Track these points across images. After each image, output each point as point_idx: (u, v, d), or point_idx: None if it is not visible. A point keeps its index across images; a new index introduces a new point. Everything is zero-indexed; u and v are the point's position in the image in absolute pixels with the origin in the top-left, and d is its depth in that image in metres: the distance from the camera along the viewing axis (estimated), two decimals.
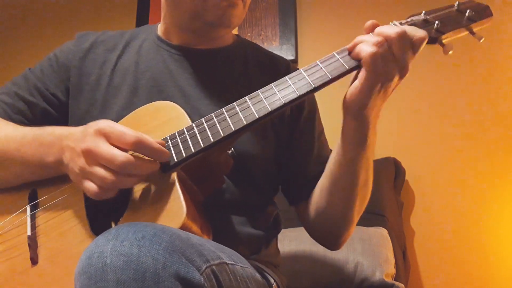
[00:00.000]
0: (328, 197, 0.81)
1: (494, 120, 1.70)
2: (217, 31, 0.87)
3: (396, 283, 1.15)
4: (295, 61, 1.89)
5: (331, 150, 0.94)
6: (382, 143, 1.77)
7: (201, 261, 0.52)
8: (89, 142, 0.60)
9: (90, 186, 0.60)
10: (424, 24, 0.69)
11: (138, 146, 0.61)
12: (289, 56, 1.90)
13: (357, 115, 0.69)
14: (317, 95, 0.93)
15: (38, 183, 0.74)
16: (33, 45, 2.29)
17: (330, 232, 0.86)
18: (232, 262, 0.61)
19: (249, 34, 2.00)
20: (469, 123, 1.72)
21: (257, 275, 0.72)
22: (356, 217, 0.83)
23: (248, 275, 0.66)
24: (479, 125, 1.71)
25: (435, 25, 0.68)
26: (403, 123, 1.79)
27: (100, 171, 0.59)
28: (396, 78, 0.65)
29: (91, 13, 2.30)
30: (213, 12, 0.81)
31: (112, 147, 0.60)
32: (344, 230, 0.83)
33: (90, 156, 0.60)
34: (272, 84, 0.69)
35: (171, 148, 0.67)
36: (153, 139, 0.64)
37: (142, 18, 2.13)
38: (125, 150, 0.61)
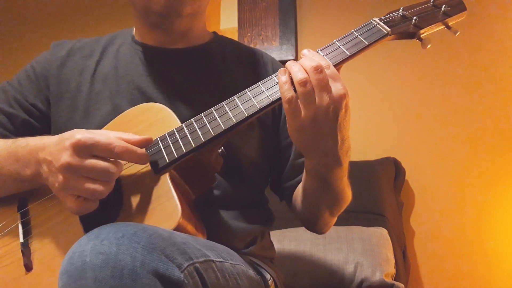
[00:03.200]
0: (305, 201, 0.84)
1: (494, 120, 1.70)
2: (174, 23, 0.85)
3: (396, 283, 1.15)
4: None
5: None
6: (382, 143, 1.77)
7: (182, 259, 0.52)
8: (68, 157, 0.59)
9: (72, 204, 0.60)
10: (402, 20, 0.71)
11: (126, 155, 0.61)
12: (289, 56, 1.90)
13: (308, 155, 0.70)
14: None
15: (27, 190, 0.73)
16: (33, 46, 2.29)
17: (312, 223, 0.89)
18: (221, 260, 0.61)
19: (249, 34, 2.00)
20: (470, 123, 1.72)
21: (250, 272, 0.73)
22: (333, 219, 0.86)
23: (239, 272, 0.66)
24: (479, 125, 1.71)
25: (413, 20, 0.70)
26: (403, 123, 1.79)
27: (88, 184, 0.59)
28: (333, 105, 0.62)
29: (91, 13, 2.30)
30: (157, 1, 0.80)
31: (95, 159, 0.59)
32: (323, 226, 0.88)
33: (72, 171, 0.59)
34: (259, 83, 0.70)
35: (162, 149, 0.67)
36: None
37: None
38: (106, 158, 0.61)
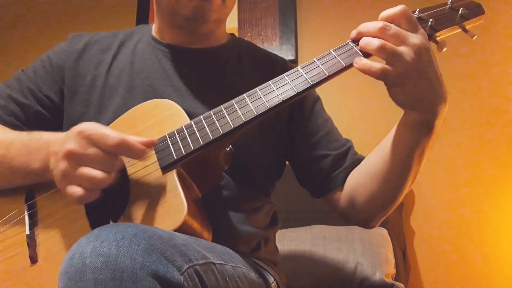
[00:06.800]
0: (382, 184, 0.78)
1: (494, 120, 1.70)
2: (201, 26, 0.86)
3: (396, 283, 1.15)
4: (295, 61, 1.89)
5: (345, 138, 0.93)
6: None
7: (182, 261, 0.52)
8: (71, 144, 0.60)
9: (74, 190, 0.59)
10: (418, 22, 0.69)
11: (120, 148, 0.60)
12: (289, 56, 1.90)
13: (414, 107, 0.68)
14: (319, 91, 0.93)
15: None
16: (33, 45, 2.28)
17: (375, 215, 0.84)
18: (221, 262, 0.61)
19: (249, 34, 2.00)
20: (470, 123, 1.72)
21: (252, 275, 0.72)
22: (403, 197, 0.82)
23: (240, 274, 0.66)
24: (479, 125, 1.71)
25: (430, 22, 0.69)
26: None
27: (87, 171, 0.58)
28: (422, 46, 0.63)
29: (91, 13, 2.29)
30: (185, 5, 0.81)
31: (96, 149, 0.60)
32: (390, 211, 0.83)
33: (73, 158, 0.59)
34: (270, 82, 0.69)
35: (170, 145, 0.67)
36: (151, 137, 0.65)
37: (142, 18, 2.13)
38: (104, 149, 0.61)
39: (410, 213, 1.72)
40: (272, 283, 0.83)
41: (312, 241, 1.28)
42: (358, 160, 0.87)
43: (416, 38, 0.63)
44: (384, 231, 1.34)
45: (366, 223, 0.86)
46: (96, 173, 0.58)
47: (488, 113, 1.71)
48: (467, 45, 1.73)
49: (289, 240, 1.31)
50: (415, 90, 0.65)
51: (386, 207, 0.81)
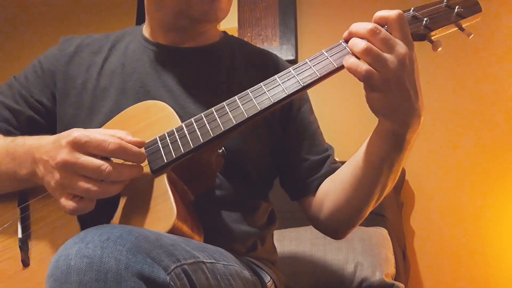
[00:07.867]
0: (350, 192, 0.78)
1: (494, 119, 1.69)
2: (203, 26, 0.86)
3: (396, 283, 1.15)
4: (295, 61, 1.89)
5: (328, 144, 0.93)
6: None
7: (169, 261, 0.51)
8: (64, 154, 0.59)
9: (68, 203, 0.59)
10: (413, 21, 0.69)
11: (120, 152, 0.60)
12: (289, 56, 1.90)
13: (391, 118, 0.67)
14: (310, 93, 0.93)
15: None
16: (32, 45, 2.28)
17: (341, 225, 0.84)
18: (212, 261, 0.61)
19: (249, 34, 2.00)
20: (469, 123, 1.72)
21: (245, 272, 0.72)
22: (369, 211, 0.82)
23: (232, 272, 0.65)
24: (479, 125, 1.71)
25: (424, 21, 0.68)
26: None
27: (82, 183, 0.58)
28: (407, 57, 0.62)
29: (91, 13, 2.30)
30: (198, 8, 0.80)
31: (91, 157, 0.59)
32: (356, 223, 0.83)
33: (68, 168, 0.59)
34: (261, 83, 0.69)
35: (161, 148, 0.67)
36: (142, 139, 0.65)
37: (142, 18, 2.13)
38: (104, 157, 0.61)
39: (410, 213, 1.72)
40: (269, 282, 0.82)
41: (312, 241, 1.28)
42: (334, 169, 0.87)
43: (403, 48, 0.62)
44: (384, 231, 1.34)
45: (333, 234, 0.87)
46: (89, 185, 0.58)
47: (489, 113, 1.71)
48: (470, 46, 1.73)
49: (289, 240, 1.31)
50: (392, 100, 0.64)
51: (352, 219, 0.82)
